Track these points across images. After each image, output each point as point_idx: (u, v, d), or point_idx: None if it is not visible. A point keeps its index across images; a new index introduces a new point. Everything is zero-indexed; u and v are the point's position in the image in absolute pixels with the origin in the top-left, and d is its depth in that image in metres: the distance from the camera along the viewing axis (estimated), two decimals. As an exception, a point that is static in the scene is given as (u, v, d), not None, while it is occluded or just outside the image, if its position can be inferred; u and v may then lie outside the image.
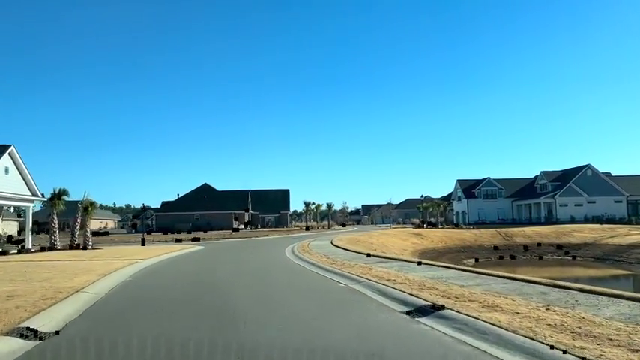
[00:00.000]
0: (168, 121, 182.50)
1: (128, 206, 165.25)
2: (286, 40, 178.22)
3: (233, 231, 70.50)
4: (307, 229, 79.66)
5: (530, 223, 68.80)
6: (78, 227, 31.95)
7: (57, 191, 30.37)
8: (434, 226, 68.82)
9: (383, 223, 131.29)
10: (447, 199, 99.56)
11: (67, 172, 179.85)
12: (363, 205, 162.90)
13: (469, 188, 79.84)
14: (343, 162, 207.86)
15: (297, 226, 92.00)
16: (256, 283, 12.97)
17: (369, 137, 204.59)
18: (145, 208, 36.89)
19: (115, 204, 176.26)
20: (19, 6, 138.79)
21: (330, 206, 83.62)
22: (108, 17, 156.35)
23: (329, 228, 79.49)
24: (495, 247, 54.87)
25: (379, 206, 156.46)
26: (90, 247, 31.17)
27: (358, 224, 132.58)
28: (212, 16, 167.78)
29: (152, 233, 72.84)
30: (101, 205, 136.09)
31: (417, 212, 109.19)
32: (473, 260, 48.84)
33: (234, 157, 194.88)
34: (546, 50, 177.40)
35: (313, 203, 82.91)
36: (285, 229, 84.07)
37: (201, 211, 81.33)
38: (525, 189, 78.91)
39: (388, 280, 11.77)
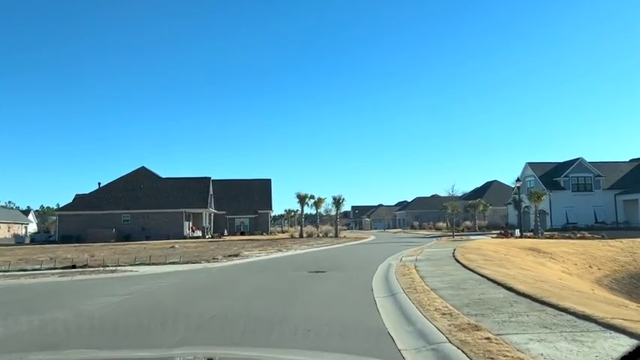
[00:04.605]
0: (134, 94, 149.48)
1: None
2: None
3: (181, 241, 41.11)
4: (302, 236, 51.15)
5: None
6: None
7: None
8: (530, 233, 40.49)
9: (389, 227, 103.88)
10: (472, 197, 73.46)
11: None
12: (353, 207, 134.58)
13: (548, 176, 52.57)
14: (316, 154, 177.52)
15: (284, 232, 63.07)
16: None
17: (350, 130, 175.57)
18: None
19: (58, 204, 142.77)
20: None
21: (338, 201, 53.64)
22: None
23: (336, 235, 50.80)
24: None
25: (375, 207, 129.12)
26: None
27: (348, 228, 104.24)
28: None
29: (49, 244, 43.14)
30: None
31: (432, 214, 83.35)
32: None
33: (189, 139, 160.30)
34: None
35: (312, 197, 53.37)
36: (265, 236, 55.33)
37: (134, 209, 51.40)
38: (630, 177, 52.49)
39: None
